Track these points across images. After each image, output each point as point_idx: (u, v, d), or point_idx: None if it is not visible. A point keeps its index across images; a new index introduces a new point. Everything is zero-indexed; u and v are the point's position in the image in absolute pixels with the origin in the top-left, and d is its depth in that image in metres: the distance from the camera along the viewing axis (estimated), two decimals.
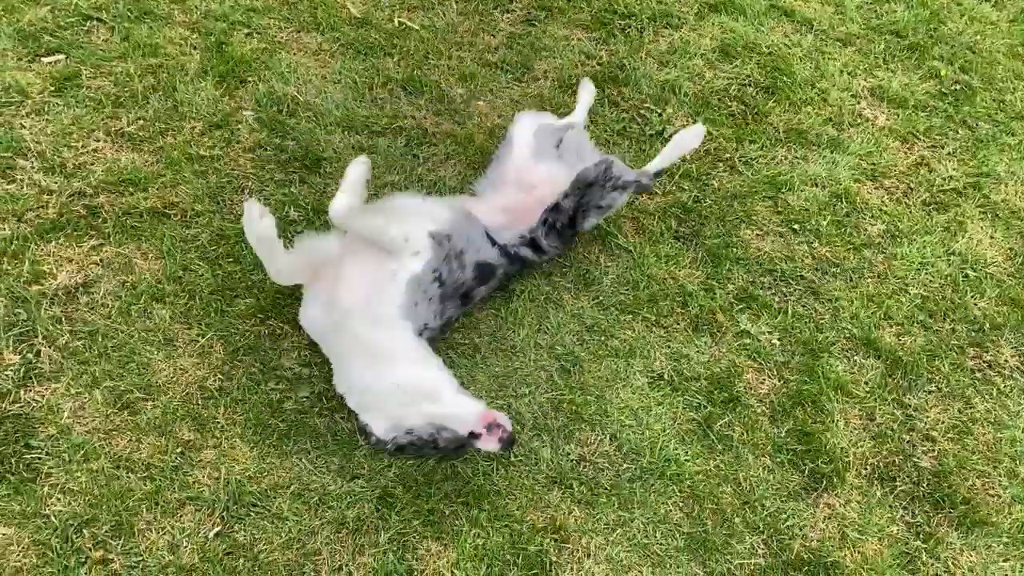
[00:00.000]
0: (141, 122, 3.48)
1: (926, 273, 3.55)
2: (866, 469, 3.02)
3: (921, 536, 2.90)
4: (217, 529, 2.63)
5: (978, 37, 4.50)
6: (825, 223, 3.63)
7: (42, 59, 3.58)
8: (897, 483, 3.00)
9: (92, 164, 3.32)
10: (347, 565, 2.62)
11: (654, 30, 4.25)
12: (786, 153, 3.87)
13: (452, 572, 2.64)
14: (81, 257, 3.08)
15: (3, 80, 3.46)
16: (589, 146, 3.45)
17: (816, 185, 3.76)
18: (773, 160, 3.83)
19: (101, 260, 3.09)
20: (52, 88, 3.48)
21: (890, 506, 2.95)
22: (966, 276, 3.56)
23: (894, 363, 3.27)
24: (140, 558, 2.55)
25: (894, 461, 3.05)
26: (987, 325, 3.42)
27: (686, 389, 3.11)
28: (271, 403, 2.89)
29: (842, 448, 3.04)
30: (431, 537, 2.70)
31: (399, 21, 4.06)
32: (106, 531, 2.58)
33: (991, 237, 3.71)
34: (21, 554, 2.51)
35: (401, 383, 2.68)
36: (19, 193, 3.19)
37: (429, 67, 3.91)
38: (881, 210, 3.73)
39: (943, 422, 3.16)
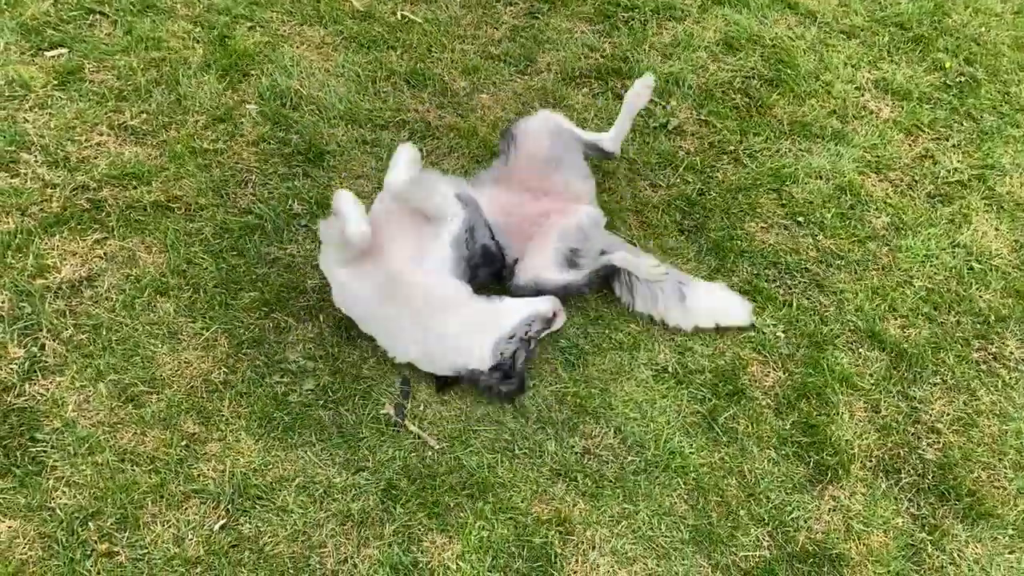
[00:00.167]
0: (144, 116, 3.48)
1: (931, 265, 3.54)
2: (871, 461, 3.01)
3: (926, 528, 2.89)
4: (222, 522, 2.63)
5: (983, 29, 4.48)
6: (829, 216, 3.62)
7: (45, 53, 3.58)
8: (902, 475, 2.99)
9: (95, 158, 3.32)
10: (352, 557, 2.62)
11: (657, 22, 4.24)
12: (790, 146, 3.86)
13: (457, 564, 2.64)
14: (85, 251, 3.09)
15: (6, 74, 3.46)
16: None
17: (820, 178, 3.75)
18: (777, 153, 3.82)
19: (105, 254, 3.10)
20: (55, 82, 3.48)
21: (895, 498, 2.95)
22: (971, 268, 3.55)
23: (899, 355, 3.26)
24: (145, 551, 2.55)
25: (899, 453, 3.04)
26: (992, 317, 3.41)
27: (691, 382, 3.10)
28: (276, 396, 2.89)
29: (847, 440, 3.03)
30: (436, 529, 2.70)
31: (402, 14, 4.06)
32: (111, 524, 2.58)
33: (996, 229, 3.70)
34: (27, 547, 2.51)
35: (472, 318, 2.88)
36: (23, 187, 3.19)
37: (432, 60, 3.90)
38: (885, 202, 3.72)
39: (948, 414, 3.15)
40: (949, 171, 3.87)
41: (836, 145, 3.87)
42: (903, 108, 4.07)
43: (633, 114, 3.43)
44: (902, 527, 2.89)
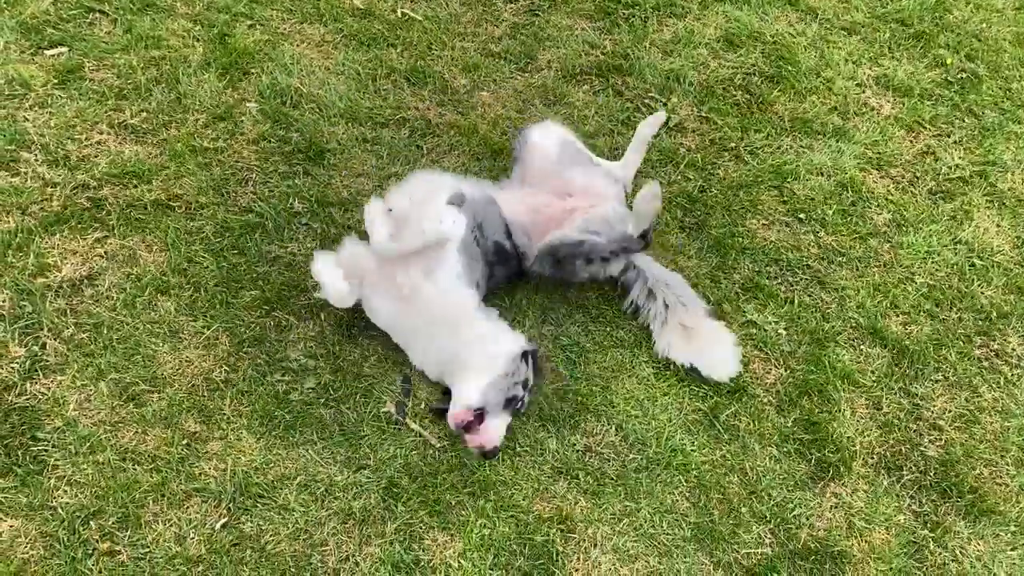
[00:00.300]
0: (144, 114, 3.47)
1: (932, 262, 3.53)
2: (873, 458, 3.01)
3: (928, 525, 2.89)
4: (224, 520, 2.63)
5: (984, 25, 4.47)
6: (831, 212, 3.62)
7: (45, 52, 3.57)
8: (904, 472, 2.99)
9: (96, 156, 3.32)
10: (354, 555, 2.62)
11: (658, 19, 4.23)
12: (791, 142, 3.85)
13: (459, 562, 2.64)
14: (85, 249, 3.08)
15: (6, 73, 3.46)
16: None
17: (822, 174, 3.74)
18: (778, 149, 3.82)
19: (105, 252, 3.09)
20: (55, 81, 3.48)
21: (897, 495, 2.94)
22: (973, 265, 3.55)
23: (901, 352, 3.26)
24: (147, 549, 2.55)
25: (901, 450, 3.04)
26: (994, 314, 3.40)
27: (692, 379, 3.10)
28: (277, 394, 2.89)
29: (849, 437, 3.03)
30: (438, 527, 2.70)
31: (402, 12, 4.05)
32: (113, 523, 2.58)
33: (998, 225, 3.69)
34: (28, 546, 2.51)
35: (482, 334, 2.87)
36: (23, 186, 3.19)
37: (432, 58, 3.90)
38: (887, 199, 3.71)
39: (950, 411, 3.15)
40: (950, 167, 3.86)
41: (837, 142, 3.86)
42: (904, 104, 4.06)
43: (644, 145, 3.56)
44: (904, 524, 2.89)
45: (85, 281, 3.02)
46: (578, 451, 2.91)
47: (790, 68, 4.08)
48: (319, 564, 2.60)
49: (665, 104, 3.87)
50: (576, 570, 2.68)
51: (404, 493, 2.74)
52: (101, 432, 2.73)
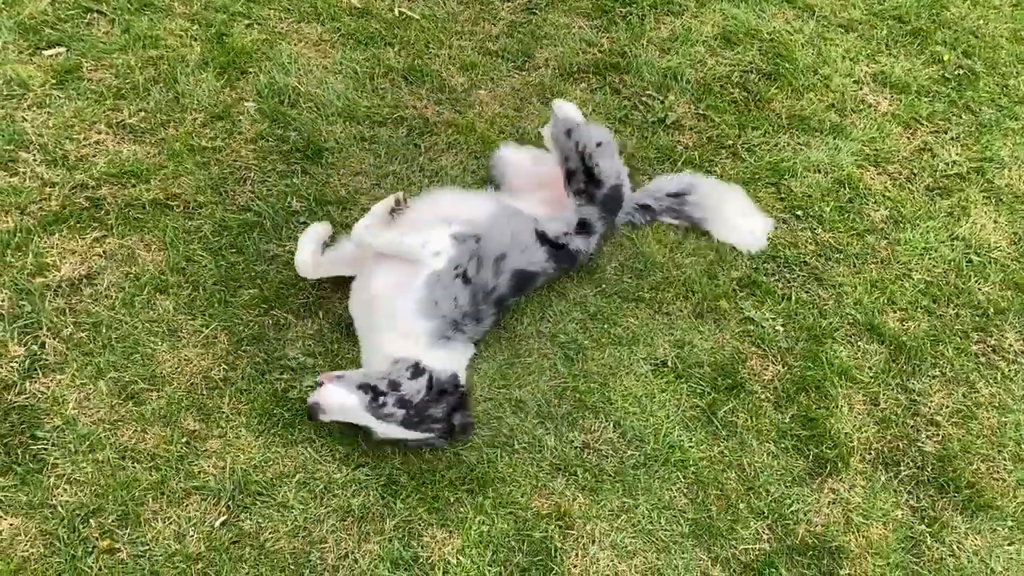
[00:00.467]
0: (142, 114, 3.48)
1: (930, 258, 3.54)
2: (870, 454, 3.02)
3: (926, 520, 2.90)
4: (223, 518, 2.64)
5: (981, 22, 4.47)
6: (828, 209, 3.62)
7: (43, 52, 3.58)
8: (901, 468, 3.00)
9: (94, 156, 3.33)
10: (353, 552, 2.63)
11: (655, 17, 4.23)
12: (788, 139, 3.86)
13: (458, 559, 2.65)
14: (84, 249, 3.09)
15: (4, 73, 3.46)
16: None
17: (819, 171, 3.75)
18: (776, 147, 3.82)
19: (104, 252, 3.10)
20: (53, 81, 3.49)
21: (895, 491, 2.95)
22: (970, 261, 3.55)
23: (898, 348, 3.26)
24: (147, 547, 2.56)
25: (898, 446, 3.04)
26: (991, 310, 3.41)
27: (690, 376, 3.11)
28: (276, 392, 2.89)
29: (846, 433, 3.04)
30: (436, 524, 2.71)
31: (399, 10, 4.06)
32: (113, 521, 2.59)
33: (995, 222, 3.70)
34: (28, 544, 2.52)
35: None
36: (22, 186, 3.20)
37: (430, 56, 3.90)
38: (884, 196, 3.72)
39: (947, 407, 3.16)
40: (948, 164, 3.86)
41: (834, 139, 3.87)
42: (901, 101, 4.07)
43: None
44: (901, 519, 2.89)
45: (84, 280, 3.03)
46: (576, 448, 2.91)
47: (787, 65, 4.09)
48: (318, 561, 2.61)
49: (662, 102, 3.87)
50: (574, 566, 2.68)
51: (403, 490, 2.75)
52: (100, 430, 2.74)
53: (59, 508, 2.59)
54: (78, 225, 3.14)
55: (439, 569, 2.63)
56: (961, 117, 4.06)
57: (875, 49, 4.27)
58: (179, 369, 2.90)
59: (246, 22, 3.86)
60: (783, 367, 3.18)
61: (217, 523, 2.63)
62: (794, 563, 2.77)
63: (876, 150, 3.86)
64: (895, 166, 3.83)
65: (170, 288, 3.05)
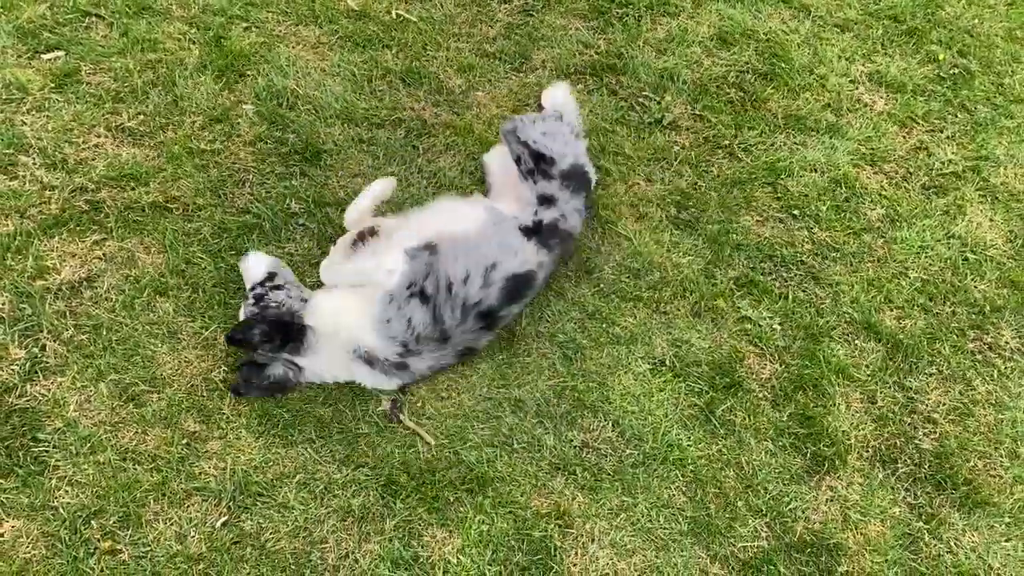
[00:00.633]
0: (141, 117, 3.49)
1: (926, 256, 3.56)
2: (868, 452, 3.03)
3: (923, 517, 2.91)
4: (224, 519, 2.66)
5: (976, 20, 4.49)
6: (825, 208, 3.64)
7: (42, 56, 3.59)
8: (899, 465, 3.01)
9: (93, 159, 3.34)
10: (353, 552, 2.64)
11: (652, 18, 4.25)
12: (785, 139, 3.87)
13: (458, 558, 2.66)
14: (84, 252, 3.10)
15: (3, 77, 3.47)
16: None
17: (815, 171, 3.77)
18: (772, 146, 3.84)
19: (104, 255, 3.11)
20: (52, 85, 3.50)
21: (892, 488, 2.97)
22: (966, 259, 3.57)
23: (895, 346, 3.28)
24: (148, 548, 2.58)
25: (896, 443, 3.06)
26: (987, 307, 3.43)
27: (688, 375, 3.12)
28: None
29: (844, 431, 3.05)
30: (436, 524, 2.72)
31: (397, 13, 4.07)
32: (114, 522, 2.60)
33: (991, 220, 3.72)
34: (30, 546, 2.53)
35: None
36: (21, 189, 3.21)
37: (427, 58, 3.92)
38: (880, 194, 3.73)
39: (944, 404, 3.17)
40: (943, 163, 3.88)
41: (831, 138, 3.88)
42: (897, 100, 4.08)
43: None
44: (899, 516, 2.91)
45: (84, 283, 3.04)
46: (575, 447, 2.93)
47: (783, 65, 4.10)
48: (319, 561, 2.62)
49: (659, 102, 3.89)
50: (574, 565, 2.70)
51: (403, 490, 2.76)
52: (101, 432, 2.75)
53: (61, 510, 2.60)
54: (78, 228, 3.15)
55: (439, 568, 2.64)
56: (956, 116, 4.08)
57: (871, 49, 4.29)
58: (179, 371, 2.91)
59: (244, 25, 3.87)
60: (780, 366, 3.19)
61: (218, 524, 2.64)
62: (792, 560, 2.78)
63: (872, 149, 3.88)
64: (891, 165, 3.85)
65: (170, 290, 3.07)
